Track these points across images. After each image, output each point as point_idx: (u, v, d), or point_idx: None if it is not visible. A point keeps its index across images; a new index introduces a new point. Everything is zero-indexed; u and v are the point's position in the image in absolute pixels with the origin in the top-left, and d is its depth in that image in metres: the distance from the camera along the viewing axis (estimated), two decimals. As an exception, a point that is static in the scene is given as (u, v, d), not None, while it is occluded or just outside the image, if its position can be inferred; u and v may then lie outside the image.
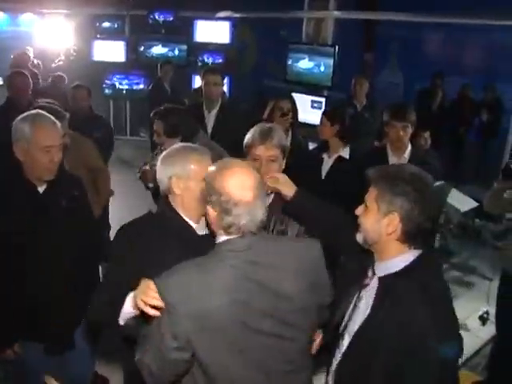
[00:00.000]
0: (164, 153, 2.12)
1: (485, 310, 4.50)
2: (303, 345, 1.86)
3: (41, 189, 2.52)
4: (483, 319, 4.56)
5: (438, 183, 4.35)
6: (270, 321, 1.72)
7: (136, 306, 1.76)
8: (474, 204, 4.73)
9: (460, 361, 3.91)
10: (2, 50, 9.71)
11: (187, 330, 1.65)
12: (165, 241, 1.99)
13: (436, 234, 4.51)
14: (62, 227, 2.52)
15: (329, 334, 2.12)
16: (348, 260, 2.18)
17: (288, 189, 2.32)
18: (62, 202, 2.55)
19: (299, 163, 3.84)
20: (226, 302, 1.66)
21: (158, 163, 2.09)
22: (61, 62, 9.89)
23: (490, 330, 4.30)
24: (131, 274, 1.86)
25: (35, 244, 2.44)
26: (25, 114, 2.49)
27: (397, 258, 1.79)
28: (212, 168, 1.78)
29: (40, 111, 2.55)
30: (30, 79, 4.74)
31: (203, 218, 2.04)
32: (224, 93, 4.90)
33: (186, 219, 2.07)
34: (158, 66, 7.69)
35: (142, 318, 1.81)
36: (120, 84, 9.24)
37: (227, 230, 1.71)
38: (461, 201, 4.69)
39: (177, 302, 1.65)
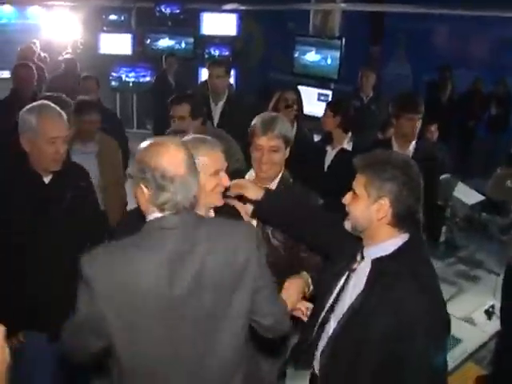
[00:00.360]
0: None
1: (491, 304, 4.47)
2: (231, 335, 1.76)
3: (46, 179, 2.53)
4: (489, 313, 4.53)
5: (444, 176, 4.34)
6: (195, 305, 1.67)
7: None
8: (481, 197, 4.71)
9: (466, 354, 3.94)
10: (9, 43, 9.74)
11: (102, 310, 1.62)
12: None
13: (442, 227, 4.49)
14: (62, 227, 2.53)
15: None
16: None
17: (253, 193, 2.28)
18: (68, 193, 2.56)
19: (303, 155, 3.85)
20: (152, 282, 1.62)
21: None
22: (68, 55, 9.91)
23: (496, 324, 4.27)
24: None
25: (35, 242, 2.45)
26: (31, 105, 2.50)
27: (387, 242, 1.82)
28: (143, 145, 1.70)
29: (46, 102, 2.55)
30: (35, 71, 4.83)
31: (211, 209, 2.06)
32: (230, 85, 4.89)
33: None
34: (163, 58, 7.65)
35: None
36: (127, 77, 9.22)
37: (161, 206, 1.66)
38: (467, 194, 4.66)
39: (95, 279, 1.62)
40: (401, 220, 1.80)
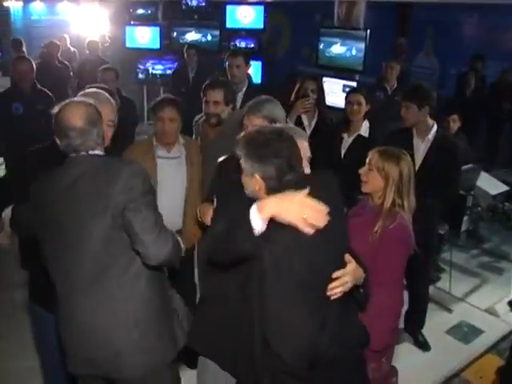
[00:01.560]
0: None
1: (514, 295, 4.45)
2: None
3: None
4: (512, 305, 4.51)
5: (467, 166, 4.31)
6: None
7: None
8: (505, 188, 4.67)
9: (487, 345, 3.92)
10: (40, 38, 9.92)
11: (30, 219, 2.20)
12: None
13: (464, 217, 4.47)
14: None
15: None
16: None
17: None
18: None
19: (322, 143, 3.87)
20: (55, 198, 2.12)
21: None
22: (100, 46, 10.06)
23: (518, 315, 4.27)
24: None
25: None
26: (85, 91, 2.58)
27: None
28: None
29: (98, 90, 2.63)
30: (34, 64, 4.97)
31: None
32: (249, 75, 4.95)
33: None
34: (184, 50, 7.62)
35: None
36: (153, 69, 9.31)
37: (66, 150, 2.18)
38: (491, 184, 4.63)
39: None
40: (275, 189, 1.91)
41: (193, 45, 7.76)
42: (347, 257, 2.04)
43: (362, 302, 2.20)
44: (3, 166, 4.63)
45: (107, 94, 2.56)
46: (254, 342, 1.91)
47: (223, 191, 2.42)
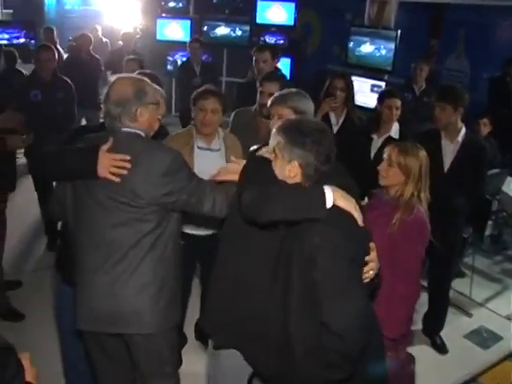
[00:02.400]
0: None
1: (536, 302, 4.40)
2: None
3: None
4: (534, 312, 4.47)
5: (493, 170, 4.29)
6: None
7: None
8: (531, 194, 4.62)
9: (506, 352, 3.90)
10: (74, 29, 10.07)
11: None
12: None
13: (488, 221, 4.44)
14: None
15: None
16: None
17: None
18: None
19: (349, 142, 3.88)
20: None
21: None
22: (133, 38, 10.14)
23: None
24: None
25: None
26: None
27: None
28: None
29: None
30: (56, 53, 5.03)
31: None
32: (279, 69, 4.97)
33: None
34: (188, 44, 7.41)
35: None
36: (182, 61, 9.33)
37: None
38: (517, 189, 4.59)
39: None
40: (310, 178, 2.00)
41: (197, 39, 7.54)
42: (372, 244, 2.12)
43: (374, 289, 2.26)
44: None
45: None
46: (290, 328, 1.97)
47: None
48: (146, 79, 2.41)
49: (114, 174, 2.19)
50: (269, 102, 2.74)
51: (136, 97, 2.29)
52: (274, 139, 2.04)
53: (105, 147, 2.20)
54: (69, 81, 5.13)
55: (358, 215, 1.96)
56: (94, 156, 2.19)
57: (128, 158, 2.19)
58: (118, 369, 2.61)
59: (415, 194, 2.70)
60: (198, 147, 3.26)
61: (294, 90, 2.79)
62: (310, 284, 1.89)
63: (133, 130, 2.30)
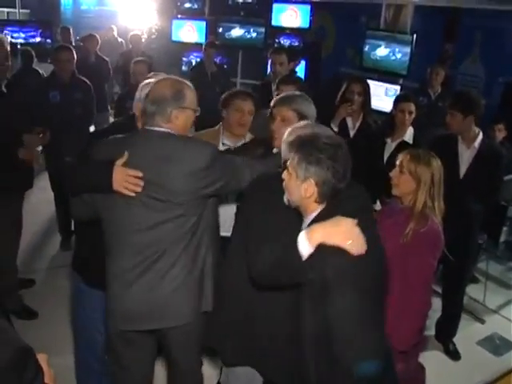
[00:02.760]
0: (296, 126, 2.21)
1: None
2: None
3: None
4: (547, 320, 4.43)
5: (509, 176, 4.25)
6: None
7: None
8: (548, 200, 4.57)
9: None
10: (89, 29, 10.11)
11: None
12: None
13: (503, 227, 4.41)
14: None
15: None
16: None
17: None
18: None
19: (365, 147, 3.87)
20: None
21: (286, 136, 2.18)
22: (142, 40, 10.18)
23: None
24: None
25: None
26: (150, 80, 2.66)
27: (312, 214, 1.96)
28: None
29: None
30: (75, 54, 5.00)
31: None
32: (295, 72, 4.98)
33: None
34: (203, 47, 7.48)
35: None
36: (196, 61, 9.34)
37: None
38: (533, 196, 4.54)
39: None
40: (326, 197, 1.92)
41: (213, 43, 7.55)
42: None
43: None
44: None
45: None
46: (307, 363, 1.92)
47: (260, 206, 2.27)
48: (188, 83, 2.40)
49: (127, 188, 2.20)
50: (272, 103, 2.70)
51: (174, 98, 2.28)
52: (287, 155, 1.97)
53: (119, 162, 2.21)
54: (87, 81, 5.13)
55: (350, 247, 1.80)
56: (109, 171, 2.20)
57: (140, 174, 2.19)
58: (141, 369, 2.61)
59: (428, 204, 2.65)
60: (224, 145, 3.29)
61: (297, 92, 2.79)
62: (323, 320, 1.85)
63: (166, 130, 2.29)
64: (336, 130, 4.02)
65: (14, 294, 4.06)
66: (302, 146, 1.90)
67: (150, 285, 2.30)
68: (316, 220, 1.92)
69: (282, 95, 2.73)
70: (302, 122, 2.27)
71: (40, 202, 5.40)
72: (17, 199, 3.98)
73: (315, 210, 1.94)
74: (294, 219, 2.04)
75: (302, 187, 1.90)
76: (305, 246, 1.83)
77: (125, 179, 2.18)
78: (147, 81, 2.67)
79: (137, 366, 2.57)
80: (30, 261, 4.80)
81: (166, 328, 2.39)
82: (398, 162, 2.76)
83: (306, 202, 1.93)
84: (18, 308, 4.03)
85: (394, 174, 2.75)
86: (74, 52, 5.03)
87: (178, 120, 2.31)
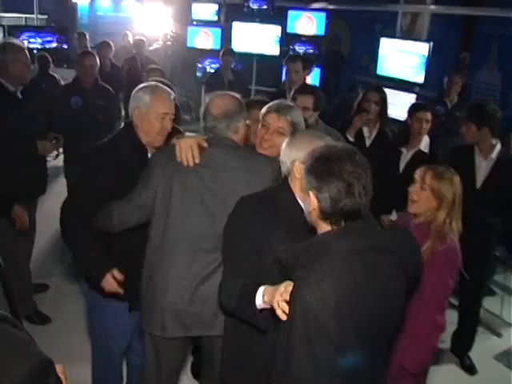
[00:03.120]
0: (292, 136, 2.23)
1: None
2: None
3: (149, 154, 2.69)
4: None
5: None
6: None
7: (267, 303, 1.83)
8: None
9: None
10: (105, 34, 10.21)
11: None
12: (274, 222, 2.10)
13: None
14: None
15: None
16: None
17: None
18: None
19: (381, 156, 3.84)
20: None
21: (285, 145, 2.19)
22: (158, 46, 10.24)
23: None
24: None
25: None
26: (145, 84, 2.74)
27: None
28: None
29: (158, 83, 2.80)
30: (98, 60, 4.96)
31: None
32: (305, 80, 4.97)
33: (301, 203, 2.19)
34: (220, 54, 7.46)
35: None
36: (211, 68, 9.35)
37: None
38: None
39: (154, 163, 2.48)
40: (328, 215, 1.74)
41: (230, 51, 7.55)
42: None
43: None
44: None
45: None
46: None
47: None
48: (238, 96, 2.55)
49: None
50: (263, 110, 2.65)
51: (239, 110, 2.45)
52: (293, 162, 1.99)
53: (108, 276, 2.49)
54: (110, 88, 5.10)
55: (280, 312, 1.69)
56: (101, 274, 2.50)
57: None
58: (175, 368, 2.66)
59: (447, 222, 2.57)
60: None
61: (288, 101, 2.81)
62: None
63: (233, 142, 2.42)
64: (352, 140, 3.99)
65: (28, 299, 4.06)
66: (312, 156, 1.79)
67: (206, 292, 2.34)
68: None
69: (276, 104, 2.66)
70: (314, 132, 2.26)
71: (55, 207, 5.38)
72: (30, 205, 3.99)
73: (323, 230, 1.79)
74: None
75: (306, 199, 1.80)
76: (259, 300, 1.85)
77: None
78: (141, 85, 2.69)
79: (171, 365, 2.60)
80: (43, 266, 4.80)
81: (214, 335, 2.41)
82: (417, 178, 2.68)
83: (312, 217, 1.81)
84: (31, 313, 4.03)
85: (413, 189, 2.66)
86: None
87: (242, 130, 2.48)
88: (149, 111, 2.60)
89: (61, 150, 4.53)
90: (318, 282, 1.61)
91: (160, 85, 2.75)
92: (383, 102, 4.22)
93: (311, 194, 1.74)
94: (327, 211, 1.73)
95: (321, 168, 1.73)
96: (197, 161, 2.34)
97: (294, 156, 2.11)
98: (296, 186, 2.10)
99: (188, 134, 2.89)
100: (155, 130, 2.63)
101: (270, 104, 2.68)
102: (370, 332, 1.71)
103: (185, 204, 2.35)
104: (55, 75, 6.75)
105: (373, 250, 1.74)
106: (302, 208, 2.04)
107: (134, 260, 2.55)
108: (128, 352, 3.02)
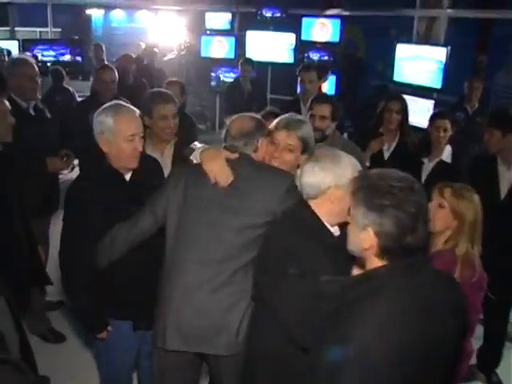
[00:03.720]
0: (320, 157, 2.16)
1: None
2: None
3: (127, 177, 2.59)
4: None
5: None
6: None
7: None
8: None
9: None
10: (120, 46, 10.24)
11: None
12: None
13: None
14: None
15: None
16: None
17: None
18: (147, 189, 2.56)
19: (401, 167, 3.72)
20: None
21: (311, 167, 2.13)
22: (173, 56, 10.23)
23: None
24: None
25: None
26: (103, 106, 2.55)
27: None
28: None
29: (119, 102, 2.63)
30: (116, 73, 4.78)
31: None
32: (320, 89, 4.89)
33: (326, 224, 2.14)
34: (239, 64, 7.39)
35: None
36: (225, 77, 9.32)
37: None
38: None
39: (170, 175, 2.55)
40: (388, 252, 1.60)
41: (249, 60, 7.46)
42: None
43: None
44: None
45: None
46: None
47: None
48: (258, 116, 2.56)
49: None
50: (272, 125, 2.59)
51: (257, 129, 2.42)
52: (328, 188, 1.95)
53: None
54: (129, 103, 4.99)
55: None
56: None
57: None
58: None
59: (469, 248, 2.44)
60: None
61: (297, 116, 2.74)
62: None
63: (249, 158, 2.40)
64: (368, 164, 3.86)
65: (42, 316, 4.01)
66: (363, 186, 1.62)
67: (210, 306, 2.29)
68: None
69: (287, 119, 2.61)
70: None
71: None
72: (43, 222, 3.94)
73: (374, 265, 1.65)
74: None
75: (360, 236, 1.61)
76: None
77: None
78: (102, 108, 2.56)
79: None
80: (58, 282, 4.74)
81: (220, 355, 2.35)
82: (435, 195, 2.54)
83: (366, 254, 1.66)
84: (45, 330, 3.97)
85: (432, 206, 2.48)
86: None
87: (262, 147, 2.46)
88: (115, 135, 2.45)
89: (76, 162, 4.48)
90: (375, 321, 1.49)
91: (122, 103, 2.61)
92: (404, 111, 4.14)
93: (370, 230, 1.58)
94: (388, 248, 1.58)
95: (380, 199, 1.56)
96: (231, 179, 2.31)
97: (329, 181, 2.07)
98: (324, 209, 2.09)
99: (198, 144, 2.79)
100: (126, 154, 2.48)
101: (279, 119, 2.61)
102: (417, 377, 1.57)
103: (196, 215, 2.31)
104: (69, 88, 6.73)
105: (429, 288, 1.61)
106: (329, 230, 2.10)
107: (135, 278, 2.50)
108: (138, 370, 2.97)
